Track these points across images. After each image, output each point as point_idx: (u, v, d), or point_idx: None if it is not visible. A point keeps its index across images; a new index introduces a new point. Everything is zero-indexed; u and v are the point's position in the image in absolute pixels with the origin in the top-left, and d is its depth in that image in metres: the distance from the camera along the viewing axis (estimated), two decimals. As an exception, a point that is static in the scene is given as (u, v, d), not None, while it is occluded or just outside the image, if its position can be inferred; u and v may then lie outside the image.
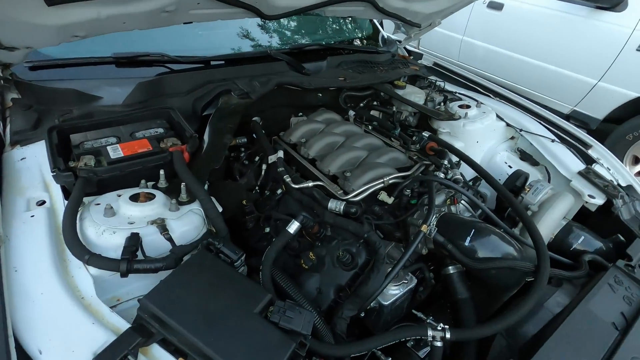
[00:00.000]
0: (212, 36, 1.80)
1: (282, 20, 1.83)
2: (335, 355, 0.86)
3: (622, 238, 1.27)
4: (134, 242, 0.83)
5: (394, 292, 1.05)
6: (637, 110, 3.01)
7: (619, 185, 1.48)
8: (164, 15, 1.21)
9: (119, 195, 0.97)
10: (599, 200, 1.38)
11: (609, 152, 1.67)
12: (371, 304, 1.01)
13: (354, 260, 1.02)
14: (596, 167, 1.55)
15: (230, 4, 1.29)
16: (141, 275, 0.83)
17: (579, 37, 3.21)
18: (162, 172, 1.06)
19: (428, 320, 0.97)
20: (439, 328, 0.91)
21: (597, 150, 1.66)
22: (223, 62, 1.62)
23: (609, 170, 1.57)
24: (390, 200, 1.18)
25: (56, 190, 1.01)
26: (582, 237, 1.27)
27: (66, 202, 0.93)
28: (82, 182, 0.96)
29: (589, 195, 1.39)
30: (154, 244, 0.87)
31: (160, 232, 0.88)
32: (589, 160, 1.60)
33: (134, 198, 0.95)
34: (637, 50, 2.88)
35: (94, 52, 1.40)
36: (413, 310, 1.09)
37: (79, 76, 1.34)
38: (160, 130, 1.23)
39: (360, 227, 1.03)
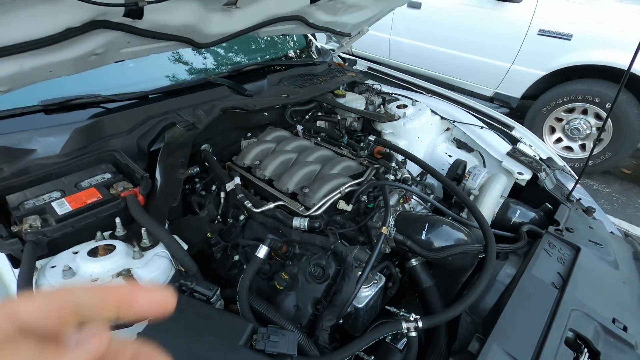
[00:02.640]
0: (145, 67, 1.75)
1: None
2: (323, 367, 0.90)
3: (549, 206, 1.46)
4: (102, 300, 0.80)
5: (366, 294, 1.12)
6: (547, 86, 3.42)
7: (540, 159, 1.70)
8: (93, 58, 1.17)
9: (76, 253, 0.93)
10: (527, 175, 1.57)
11: (528, 130, 1.90)
12: (347, 310, 1.07)
13: (325, 272, 1.07)
14: (520, 146, 1.76)
15: (162, 39, 1.28)
16: (117, 332, 0.81)
17: (489, 27, 3.57)
18: (117, 220, 1.03)
19: (401, 313, 1.05)
20: (411, 319, 0.99)
21: (519, 130, 1.88)
22: (161, 94, 1.59)
23: (531, 146, 1.78)
24: (349, 208, 1.24)
25: (1, 260, 0.94)
26: (519, 211, 1.44)
27: (17, 271, 0.87)
28: (32, 246, 0.91)
29: (519, 173, 1.58)
30: (124, 297, 0.85)
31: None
32: (513, 141, 1.80)
33: (93, 253, 0.92)
34: (538, 34, 3.27)
35: (16, 102, 1.31)
36: (386, 306, 1.18)
37: (4, 130, 1.24)
38: (108, 175, 1.19)
39: (326, 240, 1.09)
